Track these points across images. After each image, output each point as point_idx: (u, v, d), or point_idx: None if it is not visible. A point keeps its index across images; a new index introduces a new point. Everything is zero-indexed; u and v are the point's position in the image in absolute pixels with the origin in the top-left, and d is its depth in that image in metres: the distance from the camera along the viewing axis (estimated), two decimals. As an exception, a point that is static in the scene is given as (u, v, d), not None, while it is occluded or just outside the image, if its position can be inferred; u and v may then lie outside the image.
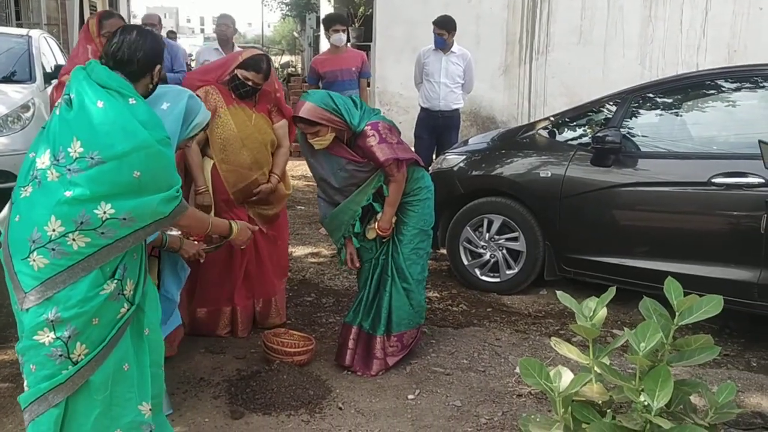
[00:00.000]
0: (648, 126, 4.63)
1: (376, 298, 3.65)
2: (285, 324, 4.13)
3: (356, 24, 15.08)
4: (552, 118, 5.16)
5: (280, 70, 17.58)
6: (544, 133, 4.98)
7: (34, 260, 2.15)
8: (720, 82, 4.56)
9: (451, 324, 4.32)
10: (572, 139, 4.82)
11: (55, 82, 4.59)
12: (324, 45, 11.17)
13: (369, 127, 3.42)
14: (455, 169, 5.12)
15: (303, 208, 7.50)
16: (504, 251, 4.84)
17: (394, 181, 3.49)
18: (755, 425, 3.11)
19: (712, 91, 4.58)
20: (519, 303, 4.71)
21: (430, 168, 5.34)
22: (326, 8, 16.89)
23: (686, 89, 4.67)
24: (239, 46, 7.07)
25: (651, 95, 4.67)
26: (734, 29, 8.69)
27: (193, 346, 3.81)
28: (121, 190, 2.17)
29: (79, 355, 2.21)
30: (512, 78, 9.19)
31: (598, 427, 1.83)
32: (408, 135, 5.86)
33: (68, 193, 2.13)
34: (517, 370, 3.04)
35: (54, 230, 2.13)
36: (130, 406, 2.34)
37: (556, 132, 4.92)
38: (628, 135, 4.46)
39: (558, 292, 2.20)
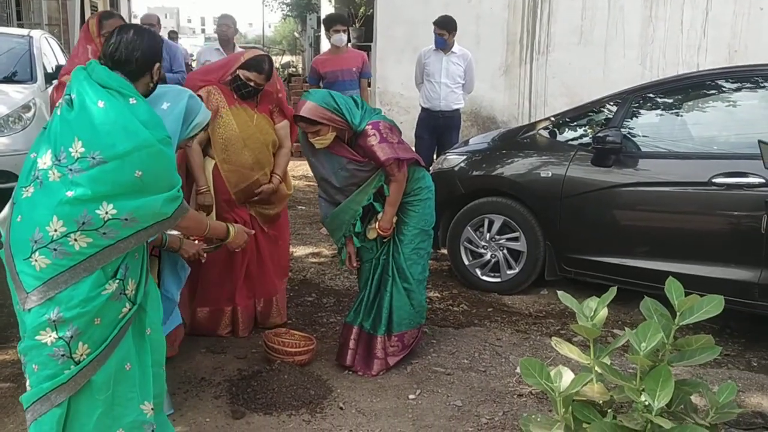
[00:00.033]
0: (648, 126, 4.64)
1: (376, 298, 3.65)
2: (286, 324, 4.13)
3: (357, 24, 15.09)
4: (552, 118, 5.17)
5: (281, 70, 17.59)
6: (545, 133, 4.98)
7: (36, 260, 2.15)
8: (721, 82, 4.56)
9: (452, 324, 4.33)
10: (573, 139, 4.82)
11: (55, 82, 4.60)
12: (325, 45, 11.17)
13: (370, 127, 3.43)
14: (456, 169, 5.12)
15: (304, 208, 7.50)
16: (505, 251, 4.85)
17: (395, 180, 3.49)
18: (756, 425, 3.11)
19: (713, 92, 4.59)
20: (520, 303, 4.71)
21: (430, 168, 5.34)
22: (327, 8, 16.89)
23: (687, 89, 4.67)
24: (240, 47, 7.09)
25: (652, 95, 4.67)
26: (735, 29, 8.69)
27: (194, 346, 3.81)
28: (122, 189, 2.17)
29: (82, 355, 2.22)
30: (513, 78, 9.19)
31: (599, 427, 1.84)
32: (409, 135, 5.86)
33: (70, 193, 2.13)
34: (518, 370, 3.05)
35: (56, 230, 2.14)
36: (132, 406, 2.35)
37: (557, 132, 4.92)
38: (628, 135, 4.47)
39: (559, 292, 2.21)
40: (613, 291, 2.07)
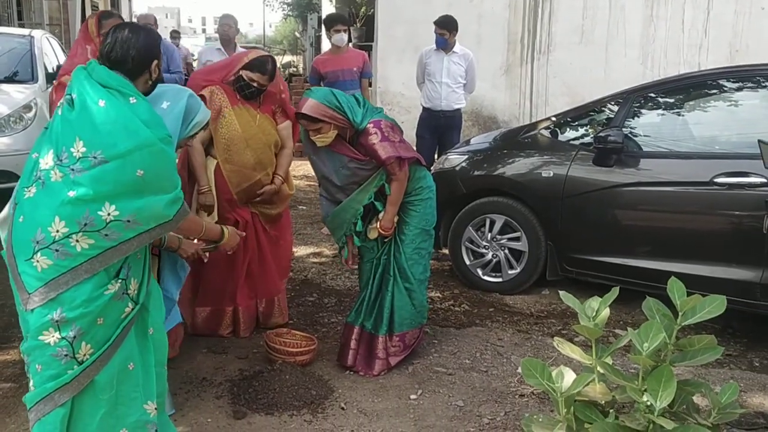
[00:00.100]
0: (650, 126, 4.63)
1: (378, 298, 3.65)
2: (287, 324, 4.13)
3: (358, 24, 15.10)
4: (554, 118, 5.16)
5: (282, 70, 17.60)
6: (546, 132, 4.97)
7: (37, 261, 2.15)
8: (722, 81, 4.56)
9: (454, 324, 4.32)
10: (574, 139, 4.82)
11: (55, 82, 4.60)
12: (325, 45, 11.16)
13: (371, 125, 3.43)
14: (457, 169, 5.12)
15: (305, 207, 7.50)
16: (506, 251, 4.84)
17: (396, 179, 3.49)
18: (758, 425, 3.11)
19: (714, 91, 4.58)
20: (521, 303, 4.71)
21: (432, 168, 5.34)
22: (328, 8, 16.89)
23: (688, 89, 4.66)
24: (241, 46, 7.09)
25: (653, 95, 4.67)
26: (736, 29, 8.67)
27: (195, 346, 3.81)
28: (124, 189, 2.17)
29: (85, 355, 2.22)
30: (514, 78, 9.18)
31: (601, 428, 1.83)
32: (410, 135, 5.85)
33: (72, 193, 2.13)
34: (520, 370, 3.04)
35: (58, 231, 2.14)
36: (136, 406, 2.35)
37: (558, 132, 4.92)
38: (630, 135, 4.46)
39: (561, 292, 2.20)
40: (615, 291, 2.07)
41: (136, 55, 2.35)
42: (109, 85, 2.25)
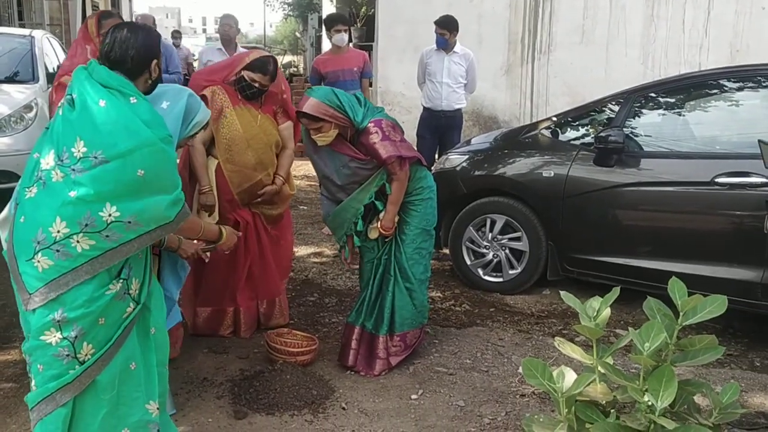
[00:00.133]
0: (651, 126, 4.63)
1: (378, 298, 3.65)
2: (288, 324, 4.13)
3: (358, 24, 15.10)
4: (555, 118, 5.16)
5: (283, 70, 17.59)
6: (547, 132, 4.97)
7: (38, 261, 2.15)
8: (722, 81, 4.56)
9: (454, 324, 4.32)
10: (575, 139, 4.82)
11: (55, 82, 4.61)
12: (326, 45, 11.17)
13: (372, 124, 3.43)
14: (458, 168, 5.12)
15: (305, 208, 7.50)
16: (507, 251, 4.84)
17: (397, 179, 3.49)
18: (759, 425, 3.11)
19: (715, 91, 4.58)
20: (522, 303, 4.71)
21: (432, 168, 5.33)
22: (328, 8, 16.90)
23: (689, 89, 4.66)
24: (242, 46, 7.09)
25: (654, 95, 4.67)
26: (737, 29, 8.67)
27: (196, 346, 3.81)
28: (125, 189, 2.17)
29: (86, 355, 2.22)
30: (514, 77, 9.18)
31: (602, 428, 1.83)
32: (410, 135, 5.84)
33: (73, 194, 2.13)
34: (521, 370, 3.03)
35: (59, 231, 2.14)
36: (138, 405, 2.35)
37: (559, 132, 4.92)
38: (630, 135, 4.46)
39: (561, 292, 2.20)
40: (616, 291, 2.07)
41: (135, 54, 2.35)
42: (109, 85, 2.25)
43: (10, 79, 6.65)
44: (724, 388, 1.95)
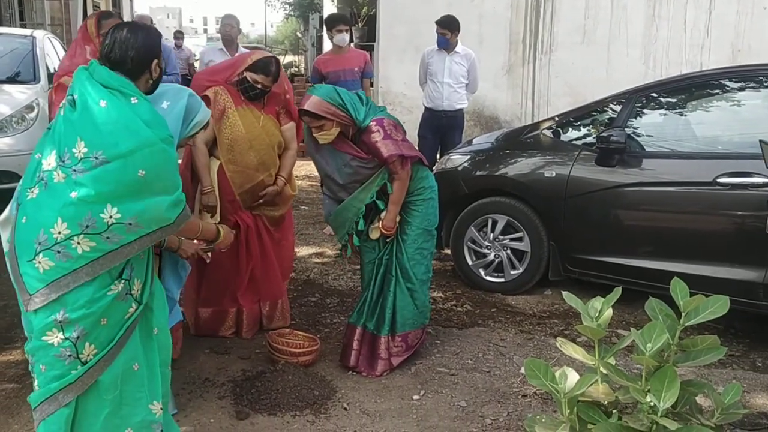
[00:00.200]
0: (652, 126, 4.63)
1: (380, 299, 3.65)
2: (290, 324, 4.13)
3: (359, 24, 15.09)
4: (556, 118, 5.16)
5: (284, 70, 17.60)
6: (549, 133, 4.97)
7: (39, 262, 2.15)
8: (724, 81, 4.56)
9: (456, 324, 4.32)
10: (577, 139, 4.82)
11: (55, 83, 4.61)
12: (327, 45, 11.16)
13: (374, 123, 3.43)
14: (459, 169, 5.12)
15: (307, 208, 7.50)
16: (508, 251, 4.84)
17: (398, 178, 3.49)
18: (761, 426, 3.10)
19: (717, 91, 4.58)
20: (524, 303, 4.71)
21: (434, 168, 5.33)
22: (329, 8, 16.89)
23: (690, 89, 4.66)
24: (243, 46, 7.08)
25: (655, 95, 4.66)
26: (738, 29, 8.66)
27: (197, 347, 3.81)
28: (126, 189, 2.17)
29: (88, 356, 2.22)
30: (516, 78, 9.17)
31: (604, 428, 1.83)
32: (412, 135, 5.84)
33: (74, 194, 2.13)
34: (522, 370, 3.04)
35: (60, 233, 2.14)
36: (141, 406, 2.36)
37: (561, 132, 4.91)
38: (632, 135, 4.46)
39: (563, 293, 2.20)
40: (617, 291, 2.07)
41: (135, 55, 2.35)
42: (110, 85, 2.25)
43: (12, 80, 6.67)
44: (726, 388, 1.95)
